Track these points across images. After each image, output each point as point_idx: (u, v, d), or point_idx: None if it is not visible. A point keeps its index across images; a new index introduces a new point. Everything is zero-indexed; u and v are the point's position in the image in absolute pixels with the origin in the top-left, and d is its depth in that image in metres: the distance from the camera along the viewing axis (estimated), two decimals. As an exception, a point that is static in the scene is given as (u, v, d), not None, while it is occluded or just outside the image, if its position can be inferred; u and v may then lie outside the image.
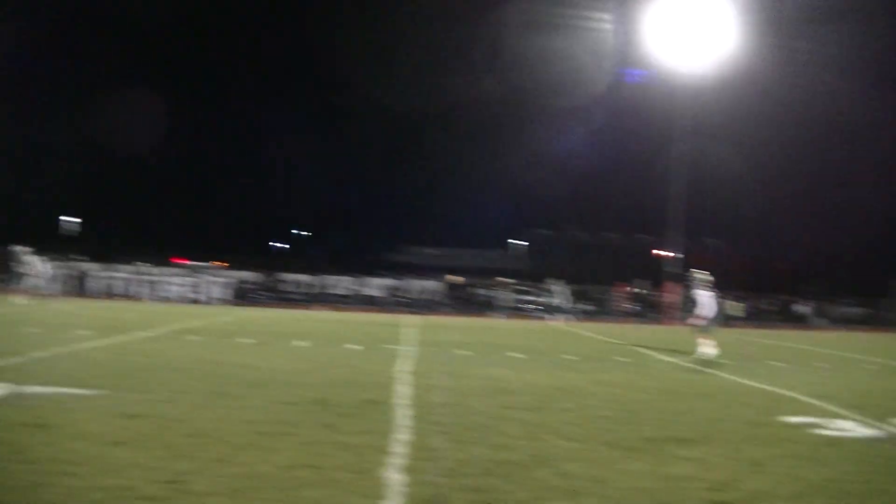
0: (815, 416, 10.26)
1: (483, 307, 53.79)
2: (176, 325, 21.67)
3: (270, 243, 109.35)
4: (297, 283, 46.44)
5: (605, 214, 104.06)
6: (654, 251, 67.09)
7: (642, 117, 77.41)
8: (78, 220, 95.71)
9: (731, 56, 48.61)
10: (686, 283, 24.32)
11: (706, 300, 18.10)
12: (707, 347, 17.65)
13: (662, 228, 63.21)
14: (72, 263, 49.11)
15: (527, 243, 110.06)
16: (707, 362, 16.85)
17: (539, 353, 17.69)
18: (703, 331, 17.75)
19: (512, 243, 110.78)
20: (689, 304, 21.60)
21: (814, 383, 14.24)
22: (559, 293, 30.23)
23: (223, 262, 65.89)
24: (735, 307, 49.34)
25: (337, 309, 40.31)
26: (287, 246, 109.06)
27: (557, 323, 31.46)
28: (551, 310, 31.53)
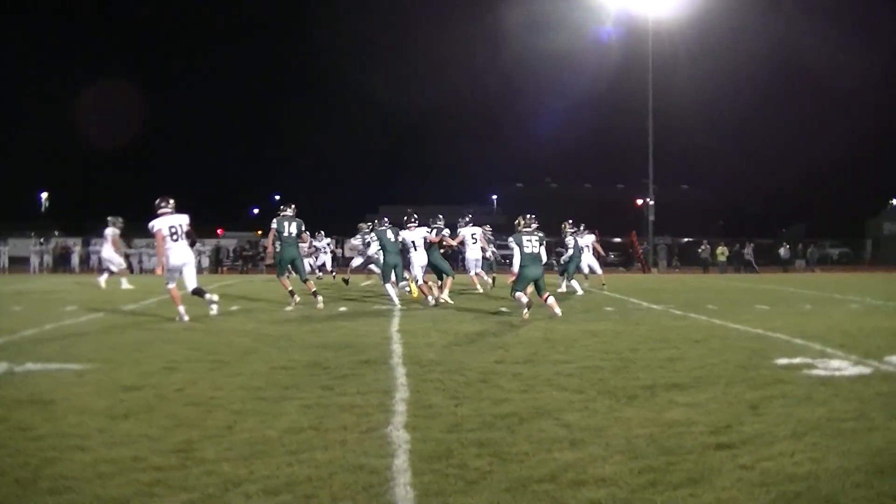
0: (806, 356, 10.34)
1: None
2: (162, 296, 21.58)
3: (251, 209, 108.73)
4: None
5: (583, 166, 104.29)
6: (637, 200, 67.02)
7: (615, 69, 77.37)
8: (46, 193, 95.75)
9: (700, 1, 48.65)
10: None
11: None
12: None
13: (636, 177, 63.21)
14: (56, 239, 49.19)
15: (495, 197, 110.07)
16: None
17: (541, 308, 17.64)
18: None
19: (491, 198, 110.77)
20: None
21: (801, 324, 14.35)
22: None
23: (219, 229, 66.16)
24: (721, 252, 49.55)
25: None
26: (257, 210, 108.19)
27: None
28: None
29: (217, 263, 48.04)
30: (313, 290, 18.62)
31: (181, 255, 15.22)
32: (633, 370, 9.31)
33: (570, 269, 23.86)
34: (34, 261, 45.85)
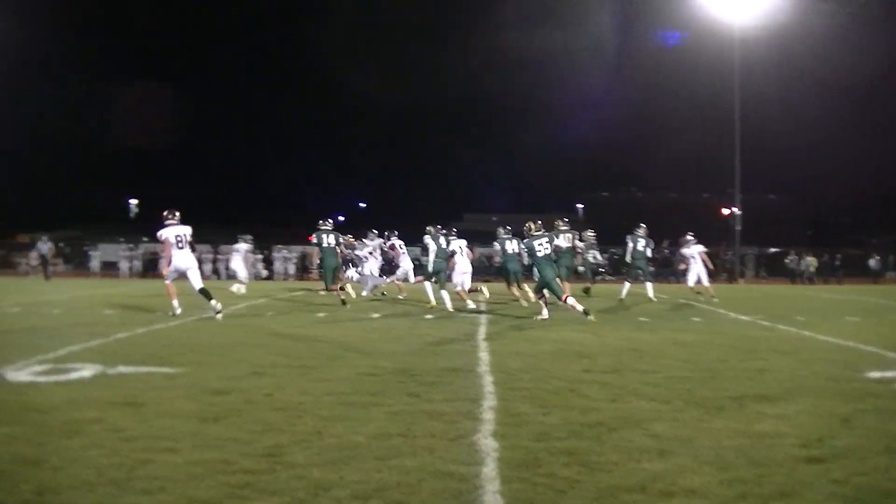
0: (898, 369, 10.16)
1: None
2: (248, 301, 21.98)
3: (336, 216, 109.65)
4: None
5: (668, 174, 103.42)
6: (724, 209, 66.17)
7: (694, 75, 76.68)
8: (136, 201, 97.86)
9: (779, 4, 47.88)
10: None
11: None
12: None
13: (722, 186, 62.42)
14: (145, 245, 50.33)
15: (580, 205, 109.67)
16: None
17: (612, 314, 17.46)
18: None
19: (577, 206, 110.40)
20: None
21: (893, 337, 14.05)
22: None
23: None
24: (810, 262, 48.75)
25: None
26: (343, 218, 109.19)
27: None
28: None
29: (303, 270, 48.46)
30: (342, 297, 20.88)
31: (184, 260, 16.97)
32: (721, 381, 9.21)
33: (632, 272, 24.92)
34: (124, 266, 47.06)
